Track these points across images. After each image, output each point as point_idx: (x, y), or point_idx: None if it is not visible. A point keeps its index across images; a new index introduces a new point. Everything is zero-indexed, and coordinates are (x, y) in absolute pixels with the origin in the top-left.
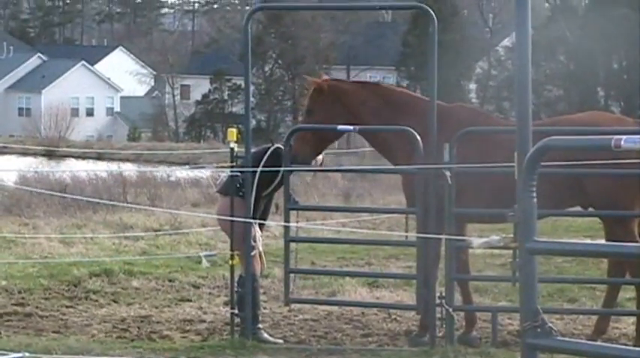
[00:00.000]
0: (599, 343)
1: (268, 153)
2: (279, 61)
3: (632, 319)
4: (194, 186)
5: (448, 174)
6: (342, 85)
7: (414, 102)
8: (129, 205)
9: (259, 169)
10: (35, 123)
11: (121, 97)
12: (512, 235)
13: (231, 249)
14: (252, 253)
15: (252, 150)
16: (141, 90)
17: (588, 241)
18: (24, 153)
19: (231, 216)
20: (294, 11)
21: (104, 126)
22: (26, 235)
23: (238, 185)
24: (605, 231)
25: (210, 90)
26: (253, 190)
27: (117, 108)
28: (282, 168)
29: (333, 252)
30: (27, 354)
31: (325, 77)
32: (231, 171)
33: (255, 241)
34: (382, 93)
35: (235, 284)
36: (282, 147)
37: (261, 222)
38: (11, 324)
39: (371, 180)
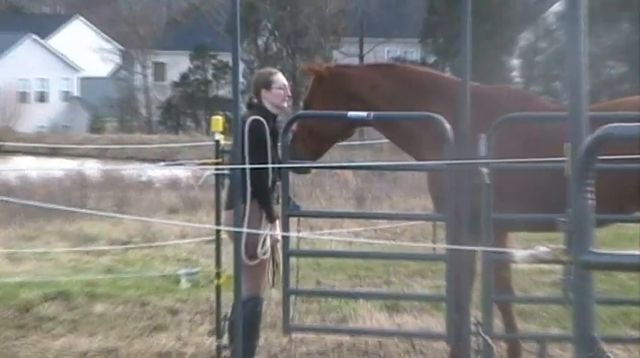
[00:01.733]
0: None
1: (247, 129)
2: (276, 33)
3: None
4: (171, 188)
5: (485, 170)
6: (345, 71)
7: (441, 83)
8: (91, 212)
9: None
10: None
11: (81, 79)
12: (563, 246)
13: (217, 266)
14: (265, 256)
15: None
16: (105, 69)
17: None
18: None
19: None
20: None
21: (59, 114)
22: None
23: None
24: None
25: (190, 69)
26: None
27: (75, 92)
28: (280, 169)
29: (344, 269)
30: None
31: (325, 64)
32: (217, 169)
33: (266, 245)
34: (398, 74)
35: (228, 311)
36: (259, 118)
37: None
38: None
39: (390, 180)
